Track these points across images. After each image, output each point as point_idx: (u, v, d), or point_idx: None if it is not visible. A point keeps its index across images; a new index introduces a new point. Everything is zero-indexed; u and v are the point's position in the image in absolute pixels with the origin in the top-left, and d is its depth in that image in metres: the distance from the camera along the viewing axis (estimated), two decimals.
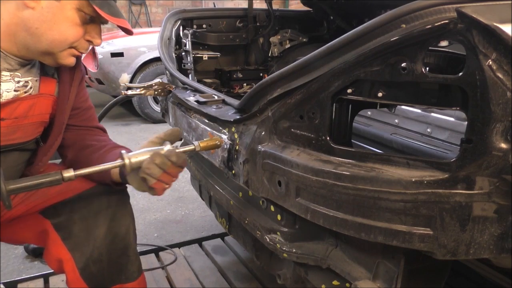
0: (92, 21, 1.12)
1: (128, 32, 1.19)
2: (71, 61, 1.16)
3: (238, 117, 1.19)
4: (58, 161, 1.44)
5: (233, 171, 1.21)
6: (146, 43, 5.17)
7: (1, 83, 1.11)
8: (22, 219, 1.34)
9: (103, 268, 1.30)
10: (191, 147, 1.15)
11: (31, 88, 1.18)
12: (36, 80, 1.19)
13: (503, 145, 0.75)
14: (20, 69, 1.15)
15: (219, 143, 1.18)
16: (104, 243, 1.29)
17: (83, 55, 1.20)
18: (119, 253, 1.31)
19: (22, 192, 1.01)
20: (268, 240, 1.20)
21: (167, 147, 1.08)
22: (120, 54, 5.01)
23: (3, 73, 1.12)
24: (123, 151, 1.09)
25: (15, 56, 1.12)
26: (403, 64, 0.81)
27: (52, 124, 1.26)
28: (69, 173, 1.02)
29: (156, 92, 1.74)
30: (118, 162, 1.07)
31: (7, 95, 1.13)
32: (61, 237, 1.30)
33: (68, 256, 1.30)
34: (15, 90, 1.14)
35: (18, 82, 1.15)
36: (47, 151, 1.29)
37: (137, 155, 1.07)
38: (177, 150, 1.10)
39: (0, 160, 1.18)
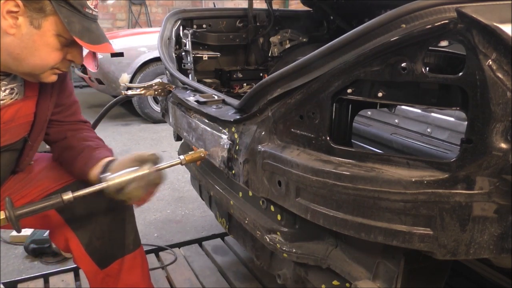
0: (73, 42, 1.12)
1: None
2: (53, 78, 1.19)
3: (238, 117, 1.19)
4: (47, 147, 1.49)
5: (233, 171, 1.21)
6: (146, 43, 5.17)
7: None
8: None
9: (105, 243, 1.38)
10: (177, 161, 1.20)
11: (17, 93, 1.21)
12: (21, 85, 1.22)
13: (503, 145, 0.75)
14: (6, 79, 1.17)
15: (203, 154, 1.23)
16: (105, 220, 1.36)
17: None
18: (118, 227, 1.39)
19: (28, 216, 1.08)
20: (268, 240, 1.20)
21: (149, 166, 1.14)
22: (120, 54, 5.01)
23: None
24: (102, 175, 1.14)
25: None
26: (403, 64, 0.81)
27: (35, 121, 1.30)
28: (68, 196, 1.10)
29: (156, 92, 1.74)
30: (101, 185, 1.11)
31: None
32: (64, 219, 1.37)
33: (72, 235, 1.37)
34: (1, 100, 1.17)
35: (5, 90, 1.17)
36: (32, 146, 1.34)
37: (118, 177, 1.12)
38: (159, 167, 1.17)
39: None
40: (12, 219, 1.03)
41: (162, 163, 1.18)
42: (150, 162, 1.15)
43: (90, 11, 1.11)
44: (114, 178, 1.11)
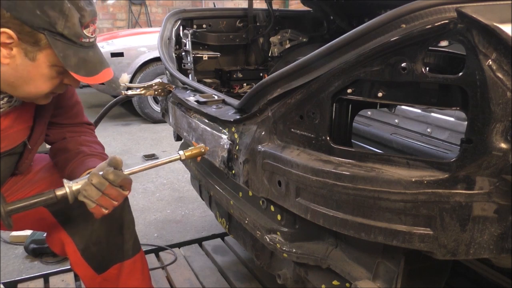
0: None
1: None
2: (48, 101, 1.18)
3: (238, 117, 1.19)
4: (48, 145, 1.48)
5: (233, 171, 1.21)
6: (146, 43, 5.16)
7: None
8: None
9: (102, 249, 1.36)
10: (176, 156, 1.16)
11: (15, 101, 1.19)
12: None
13: (503, 145, 0.75)
14: None
15: (203, 150, 1.20)
16: (101, 226, 1.34)
17: None
18: (115, 233, 1.37)
19: (19, 212, 1.05)
20: (268, 240, 1.20)
21: (107, 169, 1.06)
22: (120, 54, 5.01)
23: None
24: (65, 180, 1.08)
25: None
26: (403, 64, 0.81)
27: (34, 125, 1.28)
28: (62, 191, 1.07)
29: (156, 92, 1.74)
30: (61, 191, 1.07)
31: None
32: (61, 223, 1.37)
33: (68, 240, 1.36)
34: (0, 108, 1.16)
35: (3, 98, 1.15)
36: (31, 150, 1.33)
37: (78, 182, 1.08)
38: (155, 163, 1.12)
39: None
40: (2, 214, 1.02)
41: (162, 159, 1.16)
42: (111, 166, 1.09)
43: (87, 40, 1.07)
44: (72, 185, 1.07)
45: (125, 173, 1.09)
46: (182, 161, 1.20)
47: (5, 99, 1.16)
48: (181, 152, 1.17)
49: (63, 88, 1.17)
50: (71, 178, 1.24)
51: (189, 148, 1.20)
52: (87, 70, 1.08)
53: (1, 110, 1.17)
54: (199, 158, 1.23)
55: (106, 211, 1.11)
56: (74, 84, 1.15)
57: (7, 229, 1.50)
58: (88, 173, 1.20)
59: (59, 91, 1.17)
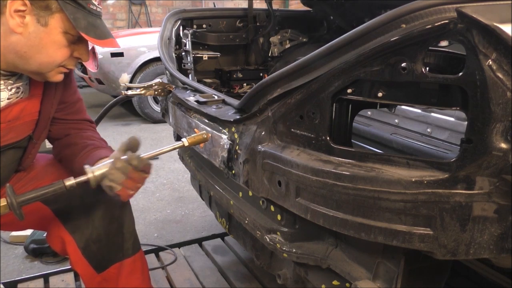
0: (80, 39, 1.13)
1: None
2: (59, 78, 1.19)
3: (238, 117, 1.19)
4: (49, 145, 1.49)
5: (233, 171, 1.21)
6: (146, 43, 5.17)
7: None
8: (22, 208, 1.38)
9: (102, 247, 1.37)
10: (179, 144, 1.17)
11: (22, 92, 1.22)
12: (26, 84, 1.23)
13: (503, 145, 0.75)
14: (12, 78, 1.18)
15: (206, 136, 1.20)
16: (102, 224, 1.36)
17: None
18: (115, 232, 1.38)
19: (30, 203, 1.07)
20: (268, 240, 1.20)
21: (128, 154, 1.10)
22: (120, 54, 5.01)
23: None
24: (86, 166, 1.11)
25: (5, 71, 1.15)
26: (403, 64, 0.81)
27: (39, 119, 1.30)
28: (70, 182, 1.10)
29: (156, 92, 1.74)
30: (83, 177, 1.10)
31: (1, 104, 1.17)
32: (62, 221, 1.37)
33: (69, 238, 1.37)
34: (8, 99, 1.18)
35: (11, 89, 1.18)
36: (35, 144, 1.34)
37: (100, 167, 1.11)
38: (160, 151, 1.14)
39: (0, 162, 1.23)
40: (14, 205, 1.02)
41: (165, 147, 1.16)
42: (129, 149, 1.12)
43: (95, 7, 1.12)
44: (95, 170, 1.10)
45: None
46: (186, 147, 1.20)
47: (13, 90, 1.18)
48: (184, 139, 1.18)
49: (74, 62, 1.19)
50: (82, 169, 1.26)
51: (192, 135, 1.20)
52: (97, 34, 1.12)
53: (9, 100, 1.18)
54: (202, 145, 1.22)
55: (132, 192, 1.16)
56: (84, 57, 1.18)
57: (7, 229, 1.51)
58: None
59: (70, 66, 1.19)
